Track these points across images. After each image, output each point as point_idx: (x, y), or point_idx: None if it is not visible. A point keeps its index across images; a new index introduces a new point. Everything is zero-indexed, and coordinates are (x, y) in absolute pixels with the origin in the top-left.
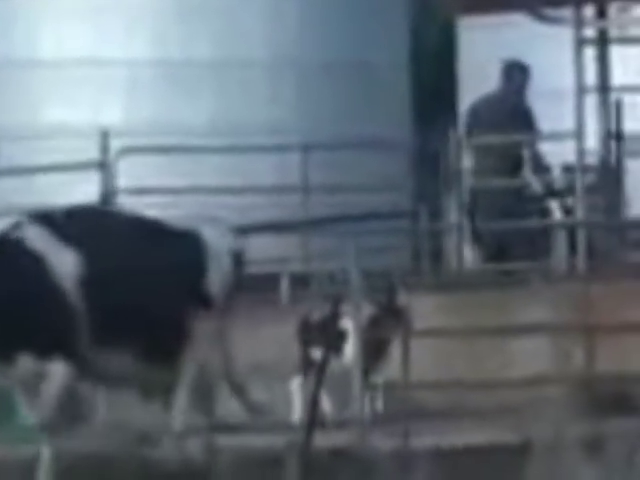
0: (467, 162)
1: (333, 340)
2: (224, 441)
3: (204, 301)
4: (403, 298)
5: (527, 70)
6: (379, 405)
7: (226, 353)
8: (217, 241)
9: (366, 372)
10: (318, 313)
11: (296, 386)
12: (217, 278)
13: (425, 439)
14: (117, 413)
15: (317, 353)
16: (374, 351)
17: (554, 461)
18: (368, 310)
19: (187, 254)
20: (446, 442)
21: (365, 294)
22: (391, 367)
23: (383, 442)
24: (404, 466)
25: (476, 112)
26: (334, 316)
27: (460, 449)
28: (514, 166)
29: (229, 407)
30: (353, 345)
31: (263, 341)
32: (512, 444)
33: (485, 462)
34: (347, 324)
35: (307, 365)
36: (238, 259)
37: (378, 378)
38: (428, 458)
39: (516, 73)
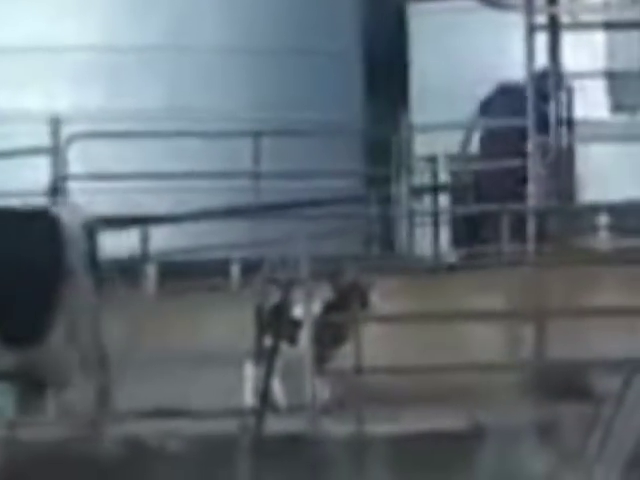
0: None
1: (283, 326)
2: (176, 425)
3: (64, 278)
4: (364, 280)
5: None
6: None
7: (95, 334)
8: (72, 219)
9: (323, 358)
10: (273, 299)
11: (249, 372)
12: (75, 255)
13: (378, 425)
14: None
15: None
16: (332, 337)
17: (507, 446)
18: (322, 296)
19: (43, 233)
20: (399, 428)
21: (317, 279)
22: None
23: (336, 428)
24: (357, 452)
25: (493, 97)
26: (284, 302)
27: (413, 435)
28: (518, 152)
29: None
30: (305, 331)
31: (215, 326)
32: (465, 430)
33: (438, 448)
34: (299, 311)
35: (262, 351)
36: (92, 237)
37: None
38: (381, 444)
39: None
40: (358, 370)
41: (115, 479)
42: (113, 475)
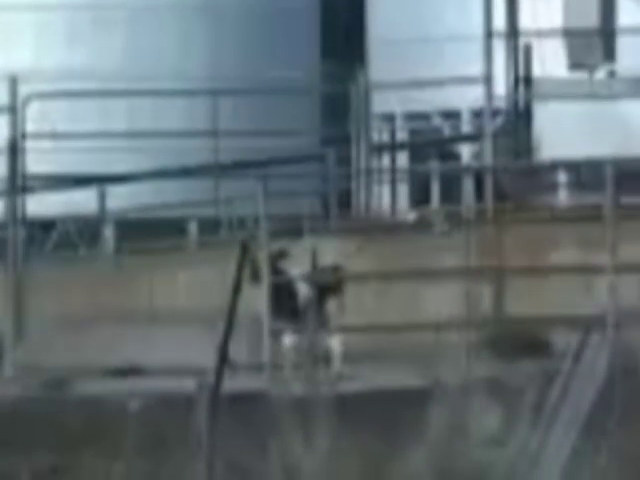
0: None
1: (239, 283)
2: (135, 384)
3: None
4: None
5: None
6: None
7: None
8: None
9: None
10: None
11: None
12: None
13: (333, 384)
14: (27, 356)
15: None
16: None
17: (462, 404)
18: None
19: None
20: (355, 386)
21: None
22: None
23: (293, 387)
24: (312, 411)
25: None
26: (242, 261)
27: (368, 393)
28: None
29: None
30: (263, 291)
31: (173, 286)
32: (422, 388)
33: (393, 406)
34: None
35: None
36: None
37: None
38: (336, 403)
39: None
40: (316, 329)
41: (74, 438)
42: (72, 433)
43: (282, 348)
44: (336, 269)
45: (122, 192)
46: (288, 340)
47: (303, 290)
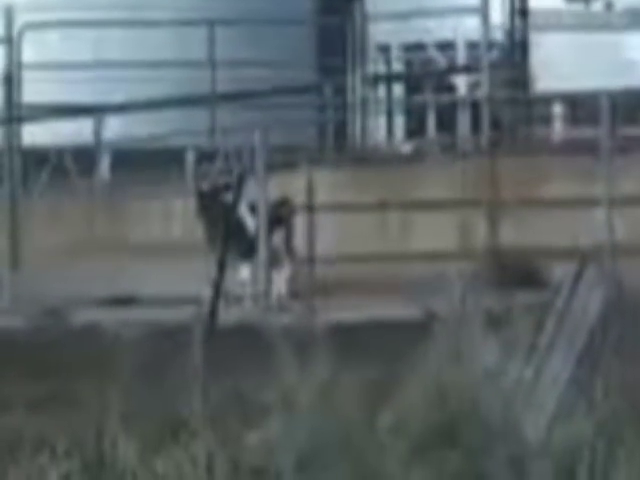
0: None
1: (233, 216)
2: (131, 314)
3: None
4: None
5: None
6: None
7: None
8: None
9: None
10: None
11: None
12: None
13: (329, 314)
14: (23, 286)
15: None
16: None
17: (457, 335)
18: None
19: None
20: (350, 317)
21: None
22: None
23: (287, 317)
24: (306, 341)
25: None
26: (239, 190)
27: (364, 323)
28: None
29: None
30: (261, 222)
31: (171, 216)
32: (416, 318)
33: (388, 336)
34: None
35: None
36: None
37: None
38: (331, 333)
39: None
40: (311, 260)
41: (70, 366)
42: (68, 362)
43: (240, 279)
44: (285, 202)
45: (118, 122)
46: (245, 272)
47: (250, 223)
